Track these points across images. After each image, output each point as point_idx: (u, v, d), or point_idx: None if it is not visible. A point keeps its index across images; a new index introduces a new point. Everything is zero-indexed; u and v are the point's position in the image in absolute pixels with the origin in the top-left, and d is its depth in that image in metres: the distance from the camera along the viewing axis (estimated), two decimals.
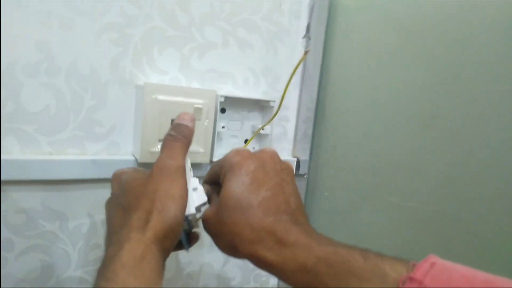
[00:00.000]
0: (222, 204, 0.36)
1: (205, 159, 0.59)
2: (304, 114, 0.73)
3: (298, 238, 0.33)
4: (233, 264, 0.73)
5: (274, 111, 0.63)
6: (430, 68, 0.53)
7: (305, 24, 0.71)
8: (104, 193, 0.56)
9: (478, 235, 0.47)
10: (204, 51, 0.61)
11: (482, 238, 0.47)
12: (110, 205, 0.39)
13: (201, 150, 0.58)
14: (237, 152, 0.39)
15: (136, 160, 0.55)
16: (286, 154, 0.75)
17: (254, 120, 0.68)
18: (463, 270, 0.27)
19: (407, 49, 0.56)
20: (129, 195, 0.36)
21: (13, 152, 0.49)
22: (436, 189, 0.52)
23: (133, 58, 0.55)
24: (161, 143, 0.54)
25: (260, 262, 0.34)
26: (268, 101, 0.65)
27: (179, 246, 0.40)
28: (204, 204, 0.39)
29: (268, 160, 0.38)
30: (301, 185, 0.75)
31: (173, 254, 0.64)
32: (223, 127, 0.63)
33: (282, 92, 0.68)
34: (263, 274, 0.78)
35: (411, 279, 0.27)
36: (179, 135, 0.39)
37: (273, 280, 0.80)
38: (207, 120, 0.58)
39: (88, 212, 0.55)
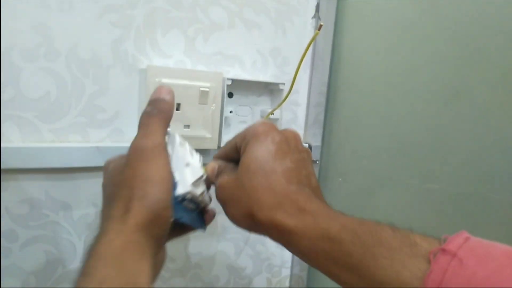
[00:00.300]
0: (243, 169, 0.33)
1: (213, 145, 0.57)
2: (315, 98, 0.70)
3: (321, 208, 0.31)
4: (244, 254, 0.71)
5: (284, 95, 0.60)
6: (453, 39, 0.49)
7: (315, 3, 0.68)
8: None
9: (509, 217, 0.43)
10: (210, 32, 0.58)
11: None
12: (102, 197, 0.37)
13: (208, 135, 0.56)
14: (263, 123, 0.37)
15: None
16: None
17: (263, 104, 0.65)
18: (501, 246, 0.25)
19: (427, 20, 0.53)
20: (111, 184, 0.34)
21: (14, 140, 0.47)
22: (460, 169, 0.49)
23: (136, 40, 0.53)
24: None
25: (279, 230, 0.31)
26: (277, 84, 0.62)
27: (192, 228, 0.38)
28: (201, 178, 0.37)
29: (291, 138, 0.37)
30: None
31: (181, 244, 0.63)
32: (230, 112, 0.61)
33: (291, 75, 0.65)
34: (276, 264, 0.76)
35: (443, 250, 0.25)
36: (154, 110, 0.36)
37: (286, 271, 0.78)
38: (214, 105, 0.55)
39: (93, 201, 0.54)
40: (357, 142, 0.65)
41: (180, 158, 0.36)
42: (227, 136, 0.62)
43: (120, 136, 0.54)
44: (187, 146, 0.38)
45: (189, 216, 0.36)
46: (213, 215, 0.40)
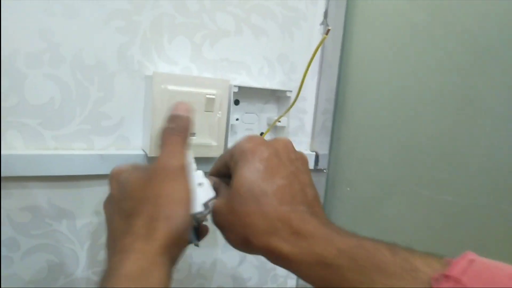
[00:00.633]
0: (234, 193, 0.33)
1: (218, 153, 0.56)
2: (322, 105, 0.69)
3: (316, 229, 0.30)
4: (249, 264, 0.70)
5: (291, 102, 0.59)
6: (465, 44, 0.48)
7: (323, 9, 0.67)
8: None
9: None
10: (216, 39, 0.57)
11: None
12: (109, 207, 0.36)
13: (214, 143, 0.55)
14: (249, 138, 0.36)
15: (146, 154, 0.52)
16: (303, 147, 0.71)
17: (269, 112, 0.64)
18: (508, 269, 0.23)
19: (438, 25, 0.51)
20: (129, 198, 0.32)
21: (17, 147, 0.47)
22: (473, 180, 0.47)
23: (141, 47, 0.52)
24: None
25: (275, 255, 0.31)
26: (284, 91, 0.61)
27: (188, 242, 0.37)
28: (212, 199, 0.36)
29: (282, 148, 0.36)
30: (320, 180, 0.71)
31: (185, 254, 0.61)
32: (237, 119, 0.60)
33: (299, 82, 0.64)
34: (281, 275, 0.75)
35: (446, 277, 0.23)
36: (176, 128, 0.35)
37: (292, 281, 0.76)
38: (220, 112, 0.54)
39: (96, 210, 0.53)
40: (366, 150, 0.63)
41: (194, 177, 0.35)
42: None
43: (125, 143, 0.53)
44: (199, 172, 0.38)
45: (191, 233, 0.35)
46: (207, 231, 0.39)
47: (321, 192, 0.71)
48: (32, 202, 0.48)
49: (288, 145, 0.37)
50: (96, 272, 0.54)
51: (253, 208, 0.31)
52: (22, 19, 0.44)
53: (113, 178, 0.37)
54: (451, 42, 0.50)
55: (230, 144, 0.59)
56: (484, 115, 0.46)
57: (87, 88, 0.49)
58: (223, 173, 0.39)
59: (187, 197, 0.31)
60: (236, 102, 0.60)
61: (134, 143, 0.54)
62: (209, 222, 0.38)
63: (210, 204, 0.36)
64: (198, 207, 0.34)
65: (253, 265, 0.70)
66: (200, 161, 0.43)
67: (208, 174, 0.40)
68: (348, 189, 0.66)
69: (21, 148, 0.47)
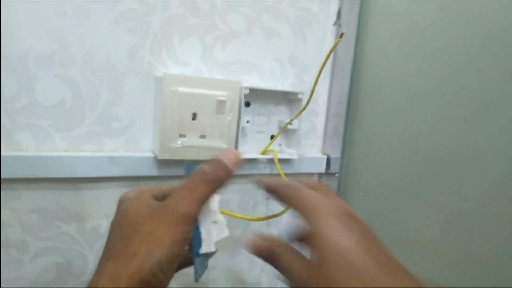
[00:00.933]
0: (328, 263, 0.28)
1: None
2: (334, 108, 0.68)
3: None
4: (259, 269, 0.69)
5: (303, 104, 0.58)
6: (483, 47, 0.47)
7: (336, 10, 0.66)
8: (122, 192, 0.53)
9: None
10: (228, 40, 0.57)
11: None
12: (111, 226, 0.35)
13: (224, 146, 0.54)
14: (322, 203, 0.31)
15: (156, 157, 0.52)
16: (315, 151, 0.70)
17: (281, 114, 0.63)
18: None
19: (455, 27, 0.50)
20: (118, 232, 0.32)
21: (27, 148, 0.46)
22: (491, 186, 0.45)
23: (152, 48, 0.51)
24: (181, 140, 0.51)
25: None
26: (296, 94, 0.60)
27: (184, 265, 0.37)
28: (224, 237, 0.35)
29: (354, 212, 0.32)
30: (332, 184, 0.69)
31: None
32: (247, 122, 0.59)
33: (311, 84, 0.63)
34: None
35: None
36: (211, 178, 0.32)
37: None
38: (230, 114, 0.53)
39: (105, 212, 0.52)
40: (379, 154, 0.62)
41: (209, 213, 0.34)
42: (243, 147, 0.60)
43: (135, 145, 0.53)
44: (217, 200, 0.37)
45: (197, 269, 0.35)
46: (206, 267, 0.38)
47: None
48: (41, 204, 0.48)
49: (348, 206, 0.33)
50: None
51: (355, 282, 0.27)
52: (32, 19, 0.44)
53: (119, 202, 0.36)
54: (468, 44, 0.48)
55: (240, 147, 0.58)
56: (503, 119, 0.45)
57: (97, 90, 0.49)
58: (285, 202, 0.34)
59: (176, 241, 0.30)
60: (247, 104, 0.59)
61: (143, 145, 0.53)
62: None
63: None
64: (210, 247, 0.34)
65: (263, 270, 0.69)
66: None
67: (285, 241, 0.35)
68: (361, 193, 0.65)
69: (31, 150, 0.47)
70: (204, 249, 0.33)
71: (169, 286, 0.30)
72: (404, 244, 0.57)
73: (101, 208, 0.52)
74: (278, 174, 0.60)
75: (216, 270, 0.64)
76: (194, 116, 0.51)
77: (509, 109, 0.44)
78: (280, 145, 0.64)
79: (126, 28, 0.49)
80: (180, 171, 0.54)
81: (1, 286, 0.47)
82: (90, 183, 0.50)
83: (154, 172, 0.53)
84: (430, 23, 0.54)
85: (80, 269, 0.52)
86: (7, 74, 0.44)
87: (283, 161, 0.63)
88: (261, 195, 0.66)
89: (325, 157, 0.69)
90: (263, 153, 0.61)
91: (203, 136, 0.52)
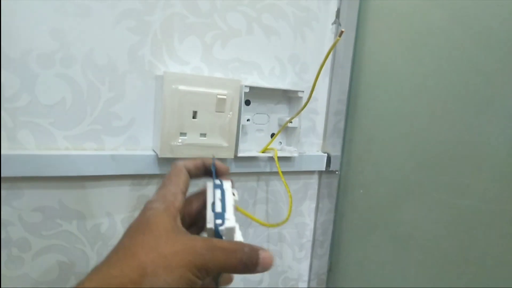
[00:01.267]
0: None
1: (229, 154, 0.55)
2: (334, 106, 0.68)
3: None
4: None
5: (303, 103, 0.58)
6: (483, 44, 0.47)
7: (335, 8, 0.66)
8: (123, 190, 0.53)
9: None
10: (227, 39, 0.57)
11: None
12: (128, 231, 0.32)
13: (225, 144, 0.54)
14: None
15: (157, 155, 0.52)
16: (315, 149, 0.70)
17: (281, 112, 0.63)
18: None
19: (454, 24, 0.50)
20: (133, 240, 0.30)
21: (28, 147, 0.47)
22: (493, 185, 0.45)
23: (152, 47, 0.52)
24: (182, 138, 0.51)
25: None
26: (296, 92, 0.60)
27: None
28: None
29: None
30: (332, 182, 0.70)
31: None
32: (248, 120, 0.59)
33: (310, 83, 0.63)
34: (292, 278, 0.74)
35: None
36: (246, 258, 0.31)
37: (303, 284, 0.75)
38: (231, 112, 0.54)
39: (107, 211, 0.52)
40: (379, 152, 0.62)
41: (231, 207, 0.35)
42: (244, 145, 0.60)
43: (136, 144, 0.53)
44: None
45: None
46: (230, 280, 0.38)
47: (333, 194, 0.70)
48: (43, 203, 0.48)
49: None
50: None
51: None
52: (34, 19, 0.44)
53: (144, 209, 0.34)
54: (469, 42, 0.49)
55: (241, 145, 0.58)
56: (504, 117, 0.45)
57: (98, 88, 0.49)
58: None
59: (179, 277, 0.28)
60: (247, 103, 0.59)
61: (144, 143, 0.53)
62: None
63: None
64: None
65: None
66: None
67: None
68: (361, 191, 0.65)
69: (32, 148, 0.47)
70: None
71: None
72: (405, 242, 0.57)
73: (103, 206, 0.52)
74: (278, 172, 0.60)
75: None
76: (194, 115, 0.51)
77: (509, 107, 0.44)
78: (280, 143, 0.64)
79: (127, 27, 0.49)
80: None
81: (3, 285, 0.48)
82: (91, 181, 0.51)
83: (155, 170, 0.53)
84: (429, 21, 0.54)
85: (82, 267, 0.52)
86: (9, 73, 0.44)
87: (283, 159, 0.64)
88: (261, 193, 0.66)
89: (325, 155, 0.69)
90: (263, 151, 0.61)
91: (203, 134, 0.53)
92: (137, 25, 0.50)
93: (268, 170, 0.63)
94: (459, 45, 0.50)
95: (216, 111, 0.53)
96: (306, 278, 0.75)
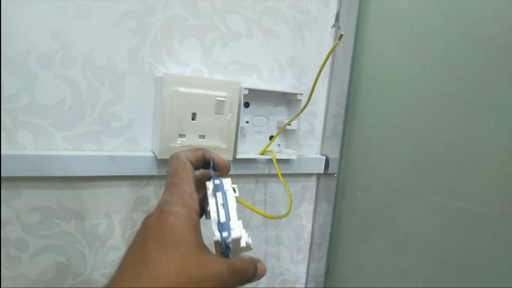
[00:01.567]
0: None
1: (228, 156, 0.55)
2: (333, 109, 0.68)
3: None
4: None
5: (302, 105, 0.59)
6: (481, 48, 0.47)
7: (335, 12, 0.66)
8: (122, 191, 0.53)
9: None
10: (227, 41, 0.57)
11: None
12: (144, 235, 0.32)
13: (224, 146, 0.54)
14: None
15: (155, 156, 0.52)
16: (313, 152, 0.70)
17: (280, 115, 0.63)
18: None
19: (454, 28, 0.50)
20: (154, 245, 0.29)
21: (27, 147, 0.47)
22: (489, 187, 0.46)
23: (152, 48, 0.52)
24: (181, 140, 0.51)
25: None
26: (295, 94, 0.60)
27: None
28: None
29: None
30: (331, 185, 0.70)
31: None
32: (247, 122, 0.59)
33: (309, 85, 0.64)
34: (290, 280, 0.74)
35: None
36: (251, 275, 0.34)
37: (300, 286, 0.75)
38: (230, 114, 0.54)
39: (105, 211, 0.53)
40: (378, 155, 0.62)
41: (234, 210, 0.35)
42: (242, 147, 0.60)
43: (135, 144, 0.53)
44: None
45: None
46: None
47: (331, 197, 0.70)
48: (41, 203, 0.48)
49: None
50: (104, 274, 0.54)
51: None
52: (34, 19, 0.44)
53: (163, 214, 0.33)
54: (467, 45, 0.49)
55: (239, 147, 0.59)
56: (502, 120, 0.45)
57: (98, 89, 0.49)
58: None
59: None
60: (246, 105, 0.59)
61: (143, 144, 0.54)
62: None
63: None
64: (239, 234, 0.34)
65: None
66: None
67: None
68: (359, 194, 0.65)
69: (32, 149, 0.47)
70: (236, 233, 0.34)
71: None
72: (402, 244, 0.57)
73: (101, 207, 0.52)
74: (277, 175, 0.60)
75: None
76: (193, 116, 0.52)
77: (507, 109, 0.45)
78: (279, 145, 0.64)
79: (127, 29, 0.50)
80: None
81: (1, 285, 0.48)
82: (89, 182, 0.51)
83: (153, 171, 0.53)
84: (428, 25, 0.54)
85: (79, 268, 0.52)
86: (8, 73, 0.44)
87: (282, 161, 0.64)
88: (259, 195, 0.66)
89: (324, 157, 0.69)
90: (262, 154, 0.61)
91: (202, 136, 0.53)
92: (137, 26, 0.50)
93: (266, 172, 0.63)
94: (458, 49, 0.50)
95: (215, 113, 0.53)
96: (303, 280, 0.75)
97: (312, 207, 0.73)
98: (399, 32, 0.59)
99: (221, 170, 0.40)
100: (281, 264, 0.72)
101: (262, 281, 0.70)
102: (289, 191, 0.65)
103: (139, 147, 0.53)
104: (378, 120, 0.62)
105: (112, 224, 0.53)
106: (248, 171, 0.61)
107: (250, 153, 0.61)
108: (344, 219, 0.69)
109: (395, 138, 0.59)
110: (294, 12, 0.62)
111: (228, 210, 0.35)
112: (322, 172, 0.70)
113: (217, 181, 0.37)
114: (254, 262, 0.34)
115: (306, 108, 0.56)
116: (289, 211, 0.57)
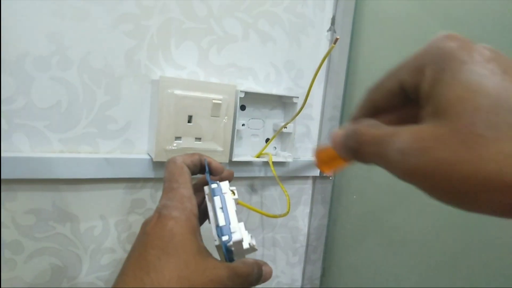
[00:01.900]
0: (463, 109, 0.18)
1: (224, 159, 0.55)
2: (329, 112, 0.69)
3: None
4: None
5: (298, 108, 0.59)
6: None
7: (330, 16, 0.67)
8: (118, 194, 0.53)
9: None
10: (224, 44, 0.57)
11: None
12: (145, 241, 0.32)
13: (220, 148, 0.54)
14: (448, 37, 0.22)
15: (151, 159, 0.52)
16: (309, 154, 0.71)
17: (276, 118, 0.64)
18: None
19: (450, 31, 0.51)
20: (155, 251, 0.30)
21: (23, 149, 0.47)
22: None
23: (149, 51, 0.52)
24: (177, 142, 0.51)
25: None
26: (291, 98, 0.61)
27: None
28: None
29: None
30: (326, 188, 0.70)
31: None
32: (243, 125, 0.59)
33: (305, 89, 0.64)
34: (285, 283, 0.74)
35: None
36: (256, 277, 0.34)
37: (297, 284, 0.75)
38: (226, 117, 0.54)
39: (101, 214, 0.52)
40: None
41: (234, 213, 0.36)
42: (238, 150, 0.61)
43: (131, 147, 0.53)
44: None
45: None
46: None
47: (326, 200, 0.70)
48: (36, 205, 0.48)
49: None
50: (99, 276, 0.54)
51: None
52: (31, 21, 0.45)
53: (163, 219, 0.33)
54: None
55: (236, 149, 0.59)
56: None
57: (94, 92, 0.49)
58: (386, 106, 0.25)
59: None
60: (242, 108, 0.60)
61: (139, 147, 0.54)
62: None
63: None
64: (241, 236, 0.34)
65: None
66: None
67: (352, 119, 0.27)
68: (355, 197, 0.66)
69: (27, 151, 0.47)
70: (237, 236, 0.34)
71: None
72: (398, 246, 0.57)
73: (96, 210, 0.52)
74: (273, 177, 0.60)
75: None
76: (189, 119, 0.52)
77: None
78: (275, 148, 0.65)
79: (124, 31, 0.50)
80: None
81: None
82: (85, 184, 0.51)
83: (149, 174, 0.53)
84: (424, 28, 0.55)
85: (75, 270, 0.52)
86: (4, 76, 0.44)
87: (277, 164, 0.64)
88: (255, 198, 0.66)
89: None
90: (258, 156, 0.62)
91: (198, 139, 0.53)
92: (134, 29, 0.50)
93: (262, 174, 0.63)
94: None
95: (211, 116, 0.53)
96: (299, 283, 0.75)
97: (308, 210, 0.73)
98: (395, 35, 0.60)
99: (218, 175, 0.40)
100: (277, 267, 0.72)
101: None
102: (286, 191, 0.65)
103: (135, 149, 0.53)
104: None
105: (108, 226, 0.53)
106: (244, 174, 0.62)
107: (246, 155, 0.61)
108: (339, 221, 0.69)
109: None
110: (290, 15, 0.62)
111: (227, 213, 0.35)
112: (318, 175, 0.70)
113: (214, 185, 0.37)
114: (258, 265, 0.34)
115: (302, 111, 0.57)
116: (288, 209, 0.57)
